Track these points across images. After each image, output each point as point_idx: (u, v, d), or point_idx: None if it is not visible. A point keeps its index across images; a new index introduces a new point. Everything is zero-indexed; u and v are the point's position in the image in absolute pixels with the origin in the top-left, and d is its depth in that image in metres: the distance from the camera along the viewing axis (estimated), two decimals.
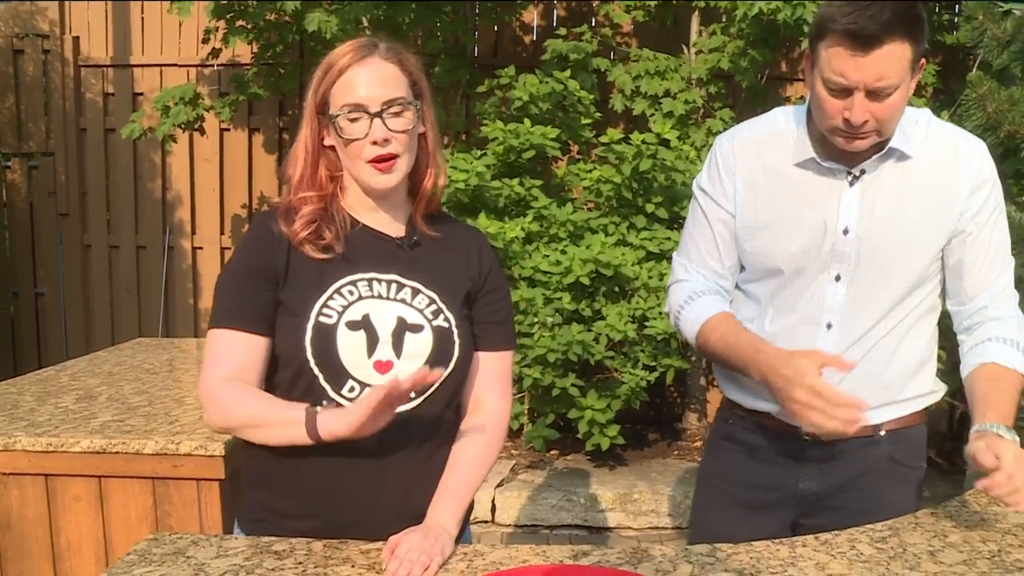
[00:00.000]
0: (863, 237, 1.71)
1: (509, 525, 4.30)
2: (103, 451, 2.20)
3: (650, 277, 4.36)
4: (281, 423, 1.46)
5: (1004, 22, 2.96)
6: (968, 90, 2.89)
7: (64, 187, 6.13)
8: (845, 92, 1.57)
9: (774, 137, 1.78)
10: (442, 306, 1.58)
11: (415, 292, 1.57)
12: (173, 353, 3.31)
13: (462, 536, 1.60)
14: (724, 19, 5.07)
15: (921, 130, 1.70)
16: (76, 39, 6.07)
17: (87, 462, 2.21)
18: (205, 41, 5.31)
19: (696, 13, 5.09)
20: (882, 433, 1.82)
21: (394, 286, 1.56)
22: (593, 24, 5.57)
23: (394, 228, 1.61)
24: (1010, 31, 2.92)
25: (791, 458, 1.85)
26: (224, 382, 1.49)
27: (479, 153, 4.63)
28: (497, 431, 1.65)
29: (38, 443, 2.21)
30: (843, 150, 1.66)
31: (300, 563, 1.43)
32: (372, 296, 1.54)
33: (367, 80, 1.50)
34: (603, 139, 4.60)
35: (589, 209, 4.85)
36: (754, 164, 1.79)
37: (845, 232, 1.72)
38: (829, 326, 1.77)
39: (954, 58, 5.24)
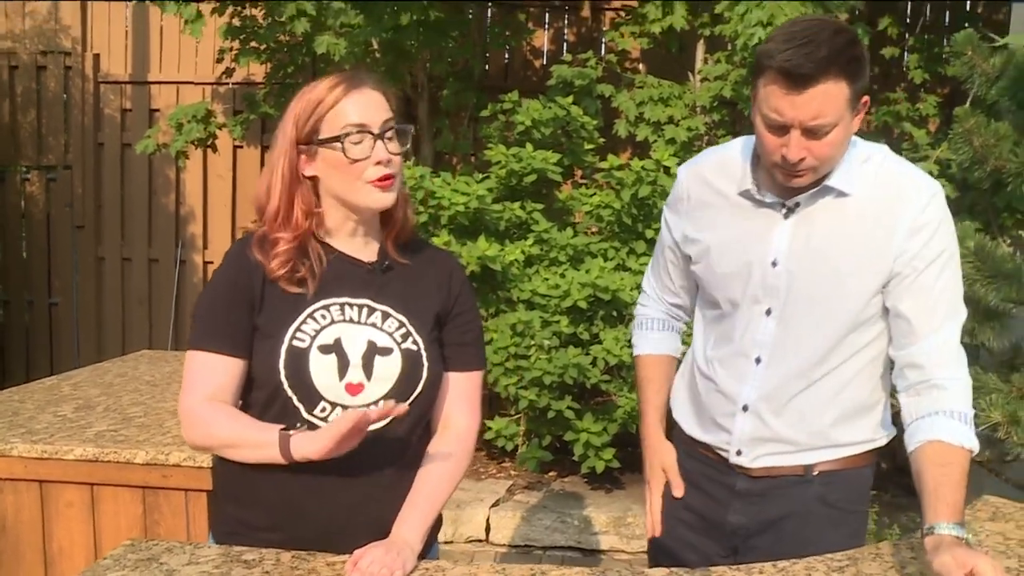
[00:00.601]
0: (792, 271, 1.70)
1: (503, 545, 4.34)
2: (96, 459, 2.27)
3: None
4: (256, 444, 1.52)
5: (993, 57, 3.00)
6: (956, 124, 2.93)
7: (81, 200, 6.27)
8: (782, 129, 1.57)
9: (725, 166, 1.79)
10: (411, 329, 1.63)
11: (385, 316, 1.63)
12: (175, 366, 3.38)
13: (429, 552, 1.66)
14: (729, 47, 5.13)
15: (871, 167, 1.68)
16: (96, 56, 6.23)
17: (80, 470, 2.29)
18: (219, 60, 5.43)
19: (701, 41, 5.16)
20: (815, 473, 1.78)
21: (365, 310, 1.62)
22: (602, 50, 5.66)
23: (367, 253, 1.66)
24: (999, 67, 2.96)
25: (723, 488, 1.86)
26: (203, 402, 1.57)
27: (480, 176, 4.71)
28: (464, 449, 1.70)
29: (34, 450, 2.28)
30: (776, 182, 1.68)
31: (267, 572, 1.49)
32: (344, 320, 1.60)
33: (366, 104, 1.57)
34: (603, 165, 4.67)
35: (591, 234, 4.91)
36: (704, 191, 1.81)
37: (774, 264, 1.71)
38: (758, 360, 1.76)
39: (957, 90, 5.28)
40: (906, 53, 5.21)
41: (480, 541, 4.37)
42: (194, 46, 5.99)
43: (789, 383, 1.75)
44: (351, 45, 4.58)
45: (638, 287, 4.48)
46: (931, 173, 4.61)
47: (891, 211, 1.65)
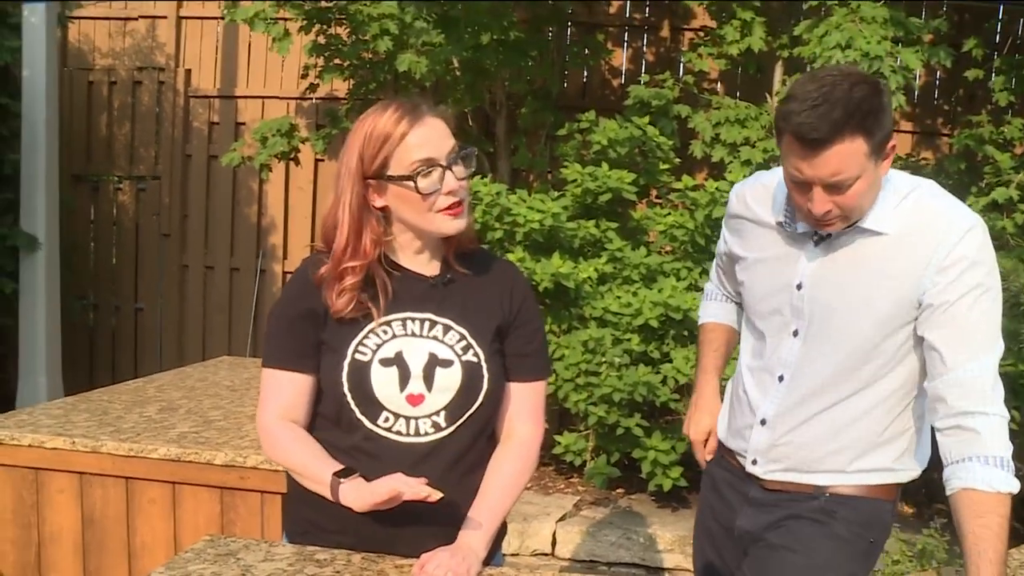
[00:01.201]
0: (815, 296, 1.73)
1: (568, 559, 4.36)
2: (178, 459, 2.37)
3: None
4: (312, 479, 1.61)
5: None
6: None
7: (168, 209, 6.49)
8: (805, 186, 1.60)
9: (767, 192, 1.84)
10: (472, 341, 1.68)
11: (447, 328, 1.67)
12: (253, 372, 3.49)
13: (492, 558, 1.70)
14: (808, 68, 5.10)
15: (908, 204, 1.68)
16: (188, 71, 6.45)
17: (163, 468, 2.39)
18: (303, 76, 5.59)
19: (780, 62, 5.14)
20: (826, 494, 1.80)
21: (427, 324, 1.67)
22: (680, 71, 5.67)
23: (430, 268, 1.71)
24: None
25: (738, 495, 1.91)
26: (276, 421, 1.66)
27: (556, 195, 4.75)
28: (528, 459, 1.74)
29: (121, 448, 2.39)
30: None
31: (338, 572, 1.55)
32: (406, 334, 1.65)
33: (430, 136, 1.61)
34: (678, 185, 4.68)
35: (664, 253, 4.91)
36: (747, 212, 1.88)
37: (799, 288, 1.75)
38: (781, 378, 1.80)
39: None
40: (993, 75, 5.10)
41: (546, 555, 4.39)
42: (280, 62, 6.17)
43: (805, 403, 1.78)
44: (432, 63, 4.67)
45: None
46: (1011, 199, 4.55)
47: (923, 245, 1.65)
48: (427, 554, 1.55)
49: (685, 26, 5.83)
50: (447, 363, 1.65)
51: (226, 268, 6.50)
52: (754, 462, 1.85)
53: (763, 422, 1.83)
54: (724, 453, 1.98)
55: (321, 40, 5.20)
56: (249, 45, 6.37)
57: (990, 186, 4.79)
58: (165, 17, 6.44)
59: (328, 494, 1.57)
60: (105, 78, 6.52)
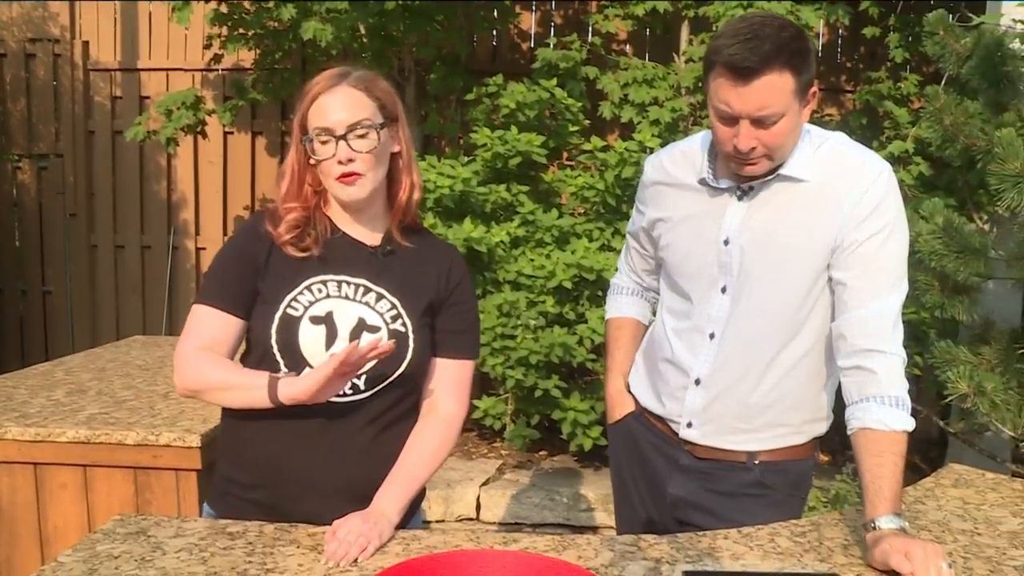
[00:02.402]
0: (744, 248, 1.77)
1: (493, 523, 4.42)
2: (88, 441, 2.34)
3: None
4: (244, 387, 1.63)
5: (965, 37, 3.05)
6: (927, 103, 2.98)
7: (72, 188, 6.30)
8: (732, 120, 1.65)
9: (685, 156, 1.90)
10: (402, 312, 1.72)
11: (379, 297, 1.72)
12: (167, 350, 3.44)
13: (409, 523, 1.73)
14: (713, 28, 5.17)
15: (824, 152, 1.75)
16: (86, 43, 6.24)
17: (73, 452, 2.35)
18: (207, 47, 5.46)
19: (686, 22, 5.20)
20: (756, 462, 1.86)
21: (361, 289, 1.71)
22: (589, 33, 5.69)
23: (371, 238, 1.76)
24: (970, 46, 3.01)
25: (667, 460, 1.95)
26: (197, 350, 1.67)
27: (466, 160, 4.76)
28: (449, 434, 1.78)
29: (27, 433, 2.34)
30: (737, 172, 1.76)
31: (251, 543, 1.56)
32: (339, 296, 1.70)
33: (334, 106, 1.65)
34: (588, 146, 4.72)
35: (576, 215, 4.96)
36: (664, 178, 1.92)
37: (726, 243, 1.79)
38: (712, 336, 1.84)
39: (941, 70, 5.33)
40: (889, 32, 5.25)
41: (471, 520, 4.45)
42: (183, 33, 6.00)
43: (739, 359, 1.83)
44: (337, 31, 4.61)
45: None
46: (908, 151, 4.72)
47: (837, 189, 1.72)
48: (339, 520, 1.57)
49: None
50: (374, 328, 1.69)
51: (137, 246, 6.36)
52: (689, 424, 1.88)
53: (697, 382, 1.86)
54: (649, 418, 2.00)
55: (224, 9, 5.08)
56: (150, 15, 6.19)
57: (889, 140, 4.95)
58: None
59: (263, 397, 1.59)
60: None
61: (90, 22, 6.29)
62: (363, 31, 5.10)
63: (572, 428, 4.49)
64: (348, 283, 1.71)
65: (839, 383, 1.77)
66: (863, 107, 5.23)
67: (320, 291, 1.69)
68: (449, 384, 1.80)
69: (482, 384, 5.09)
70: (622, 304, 2.16)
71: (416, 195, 1.79)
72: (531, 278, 4.48)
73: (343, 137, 1.65)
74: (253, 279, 1.69)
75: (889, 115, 4.99)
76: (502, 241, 4.47)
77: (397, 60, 5.41)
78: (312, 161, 1.69)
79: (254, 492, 1.71)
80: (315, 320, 1.67)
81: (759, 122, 1.63)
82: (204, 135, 5.63)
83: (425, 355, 1.75)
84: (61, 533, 2.41)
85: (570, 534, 1.68)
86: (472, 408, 4.73)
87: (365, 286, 1.72)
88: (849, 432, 1.67)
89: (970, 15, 3.33)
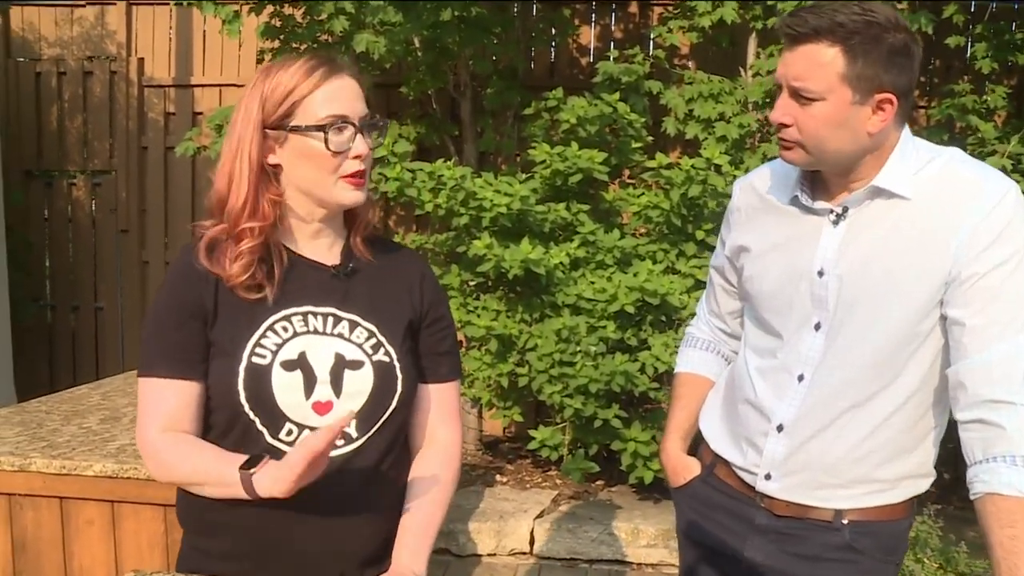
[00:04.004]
0: (842, 279, 1.56)
1: (547, 557, 4.20)
2: (115, 476, 2.19)
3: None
4: (220, 483, 1.38)
5: None
6: None
7: (124, 204, 6.25)
8: (778, 89, 1.55)
9: (777, 177, 1.71)
10: (382, 339, 1.50)
11: (353, 325, 1.49)
12: None
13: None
14: (782, 40, 4.92)
15: (934, 169, 1.55)
16: (141, 60, 6.20)
17: (100, 486, 2.21)
18: (259, 61, 5.36)
19: (753, 35, 4.97)
20: (844, 522, 1.63)
21: (331, 319, 1.48)
22: (650, 47, 5.48)
23: (330, 256, 1.53)
24: None
25: (741, 522, 1.73)
26: (160, 435, 1.43)
27: (523, 177, 4.57)
28: (454, 464, 1.60)
29: (52, 465, 2.20)
30: (828, 190, 1.60)
31: None
32: (308, 332, 1.46)
33: (347, 94, 1.44)
34: (652, 164, 4.50)
35: (639, 235, 4.74)
36: (754, 200, 1.74)
37: (820, 274, 1.59)
38: (801, 378, 1.62)
39: None
40: (971, 42, 4.94)
41: (524, 554, 4.23)
42: (236, 48, 5.94)
43: (828, 404, 1.60)
44: (391, 43, 4.47)
45: (688, 291, 4.35)
46: (1003, 169, 4.40)
47: (954, 213, 1.49)
48: None
49: (654, 1, 5.65)
50: (357, 364, 1.46)
51: None
52: (768, 476, 1.66)
53: (780, 428, 1.64)
54: (720, 471, 1.78)
55: (276, 23, 4.98)
56: (204, 32, 6.13)
57: (977, 157, 4.63)
58: (115, 3, 6.18)
59: (240, 494, 1.35)
60: (53, 69, 6.26)
61: (146, 39, 6.25)
62: (417, 44, 4.96)
63: (632, 460, 4.24)
64: (315, 314, 1.47)
65: (943, 434, 1.56)
66: (943, 122, 4.93)
67: (286, 330, 1.44)
68: (442, 411, 1.60)
69: (538, 412, 4.88)
70: (694, 359, 1.95)
71: (374, 209, 1.58)
72: (591, 302, 4.25)
73: (361, 130, 1.44)
74: (202, 331, 1.43)
75: (973, 130, 4.67)
76: (561, 263, 4.26)
77: (452, 75, 5.26)
78: (271, 162, 1.44)
79: (237, 564, 1.46)
80: (287, 365, 1.42)
81: (796, 94, 1.50)
82: None
83: (413, 385, 1.54)
84: (87, 572, 2.26)
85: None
86: (528, 439, 4.53)
87: (335, 315, 1.48)
88: (973, 497, 1.43)
89: None
